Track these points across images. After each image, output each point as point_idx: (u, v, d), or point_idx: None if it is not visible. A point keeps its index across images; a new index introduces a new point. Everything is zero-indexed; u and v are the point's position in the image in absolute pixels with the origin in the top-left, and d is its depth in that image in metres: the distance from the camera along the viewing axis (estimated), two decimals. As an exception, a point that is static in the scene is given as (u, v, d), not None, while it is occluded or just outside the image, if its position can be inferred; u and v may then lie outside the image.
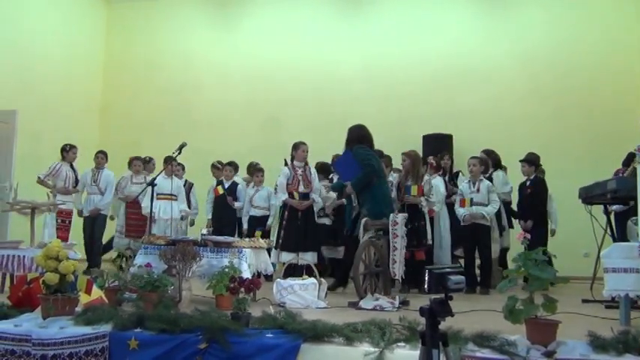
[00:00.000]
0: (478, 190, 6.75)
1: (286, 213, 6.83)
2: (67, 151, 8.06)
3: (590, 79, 9.79)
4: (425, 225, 6.48)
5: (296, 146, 6.96)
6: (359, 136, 6.31)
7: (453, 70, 10.36)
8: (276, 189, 7.13)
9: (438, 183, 7.18)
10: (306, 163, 7.09)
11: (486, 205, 6.70)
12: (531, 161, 7.43)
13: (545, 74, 10.01)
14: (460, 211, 6.75)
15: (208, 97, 11.43)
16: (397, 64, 10.62)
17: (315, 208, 7.08)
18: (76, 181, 8.11)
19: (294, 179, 6.83)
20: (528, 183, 7.36)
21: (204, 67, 11.56)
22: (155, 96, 11.64)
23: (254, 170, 8.33)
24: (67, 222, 7.86)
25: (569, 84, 9.85)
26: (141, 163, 8.57)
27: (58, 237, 6.91)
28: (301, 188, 6.82)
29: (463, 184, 6.99)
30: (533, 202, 7.20)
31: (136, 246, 8.10)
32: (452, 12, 10.70)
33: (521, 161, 7.58)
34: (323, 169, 7.91)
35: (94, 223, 8.18)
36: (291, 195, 6.81)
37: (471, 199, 6.70)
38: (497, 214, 7.03)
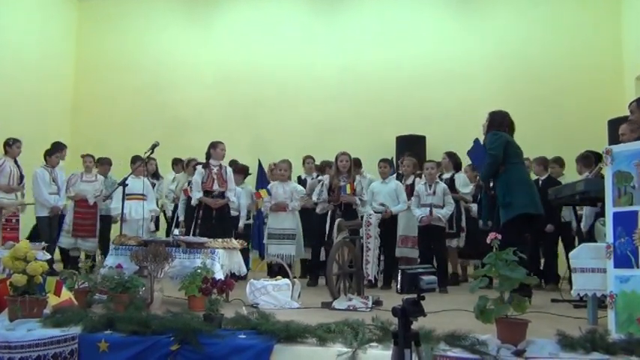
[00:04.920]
0: (434, 193, 6.86)
1: (201, 212, 6.78)
2: (11, 146, 7.45)
3: (562, 81, 9.92)
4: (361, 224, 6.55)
5: (214, 145, 6.91)
6: (497, 122, 5.74)
7: (428, 71, 10.44)
8: (191, 187, 7.12)
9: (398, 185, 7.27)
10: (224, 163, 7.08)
11: (442, 207, 6.81)
12: None
13: (519, 77, 10.12)
14: (417, 212, 6.83)
15: (182, 96, 11.30)
16: (372, 65, 10.66)
17: (231, 207, 7.10)
18: (21, 178, 7.54)
19: (208, 177, 6.78)
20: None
21: (178, 66, 11.43)
22: (128, 95, 11.47)
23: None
24: (13, 221, 7.21)
25: (542, 86, 9.97)
26: (92, 160, 8.28)
27: (3, 237, 6.55)
28: (215, 187, 6.77)
29: (420, 185, 7.08)
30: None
31: (85, 245, 8.00)
32: (426, 15, 10.77)
33: None
34: (242, 171, 8.15)
35: (52, 224, 7.86)
36: (206, 193, 6.76)
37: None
38: (458, 216, 7.40)
